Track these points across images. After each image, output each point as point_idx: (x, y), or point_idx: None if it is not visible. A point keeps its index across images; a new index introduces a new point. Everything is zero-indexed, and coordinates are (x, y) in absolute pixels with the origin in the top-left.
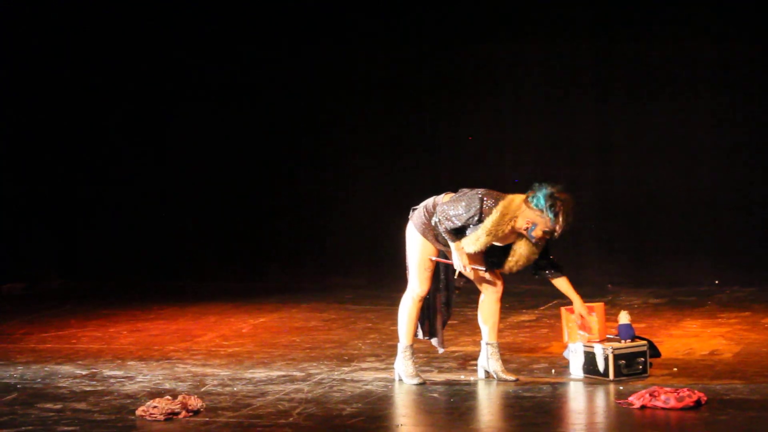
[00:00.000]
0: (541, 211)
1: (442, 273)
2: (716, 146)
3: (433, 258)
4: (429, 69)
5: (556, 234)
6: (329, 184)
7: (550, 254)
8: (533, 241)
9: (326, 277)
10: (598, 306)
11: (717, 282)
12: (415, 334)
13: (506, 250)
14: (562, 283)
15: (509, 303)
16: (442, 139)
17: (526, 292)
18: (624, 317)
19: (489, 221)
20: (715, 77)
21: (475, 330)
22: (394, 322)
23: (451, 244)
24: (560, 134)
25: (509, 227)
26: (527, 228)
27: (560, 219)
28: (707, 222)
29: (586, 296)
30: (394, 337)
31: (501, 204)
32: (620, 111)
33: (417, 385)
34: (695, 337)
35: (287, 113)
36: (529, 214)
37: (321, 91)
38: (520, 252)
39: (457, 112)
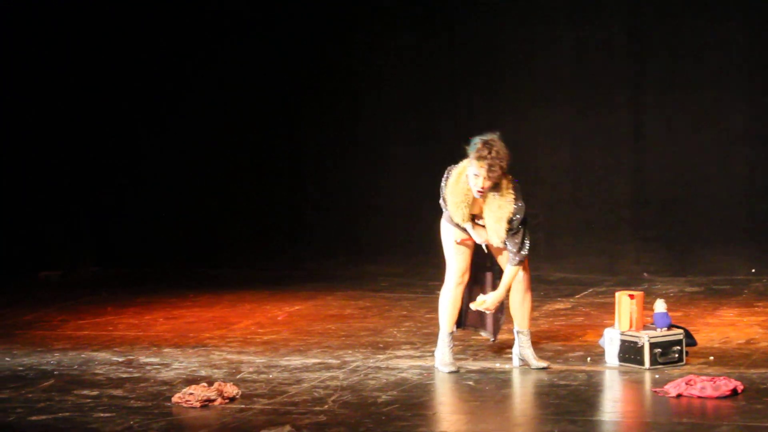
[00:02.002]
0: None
1: (488, 261)
2: (752, 133)
3: (458, 240)
4: (463, 56)
5: (484, 178)
6: (364, 172)
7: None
8: (477, 194)
9: (361, 264)
10: (638, 295)
11: (753, 271)
12: (459, 324)
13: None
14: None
15: (544, 291)
16: (476, 126)
17: (562, 281)
18: (660, 306)
19: (449, 184)
20: (751, 63)
21: (511, 319)
22: (430, 310)
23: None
24: (595, 122)
25: (465, 187)
26: (473, 183)
27: (483, 160)
28: (743, 210)
29: (622, 285)
30: (429, 324)
31: (458, 166)
32: (655, 98)
33: (450, 373)
34: (731, 326)
35: (321, 101)
36: (468, 164)
37: (355, 78)
38: (488, 222)
39: (491, 100)
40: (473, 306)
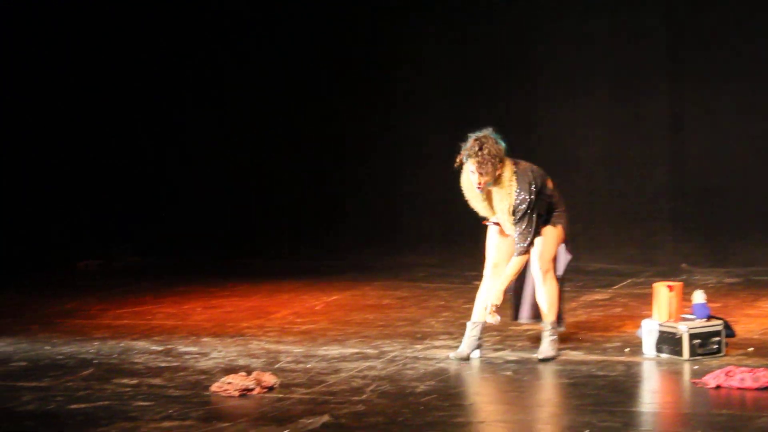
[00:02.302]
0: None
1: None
2: None
3: (485, 222)
4: (500, 45)
5: (479, 175)
6: (402, 162)
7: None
8: (477, 190)
9: (399, 254)
10: (677, 285)
11: None
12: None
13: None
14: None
15: (582, 282)
16: (513, 116)
17: (600, 271)
18: (699, 296)
19: (462, 180)
20: None
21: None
22: (467, 300)
23: None
24: (632, 111)
25: (469, 181)
26: (472, 179)
27: (473, 158)
28: None
29: (661, 275)
30: (466, 315)
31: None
32: (694, 87)
33: (459, 360)
34: None
35: (360, 90)
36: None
37: (393, 67)
38: (498, 215)
39: (528, 89)
40: (484, 318)
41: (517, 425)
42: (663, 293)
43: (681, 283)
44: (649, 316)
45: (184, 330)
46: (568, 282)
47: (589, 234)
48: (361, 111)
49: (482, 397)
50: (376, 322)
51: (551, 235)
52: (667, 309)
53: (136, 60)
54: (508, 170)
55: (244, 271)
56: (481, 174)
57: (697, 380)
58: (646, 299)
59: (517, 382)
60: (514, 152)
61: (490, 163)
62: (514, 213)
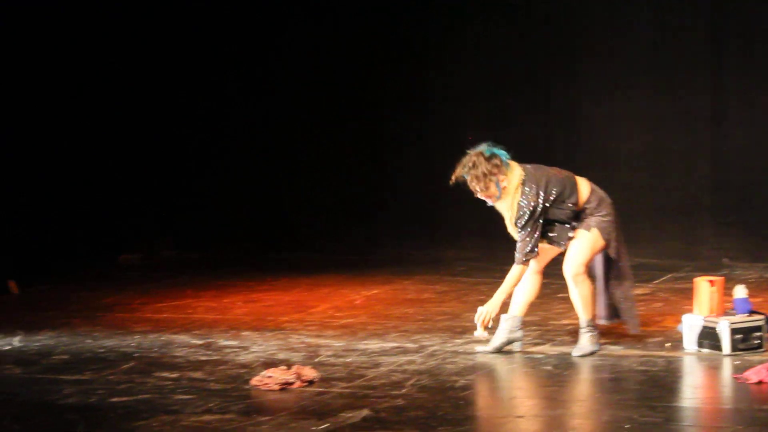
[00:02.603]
0: None
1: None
2: None
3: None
4: (541, 40)
5: (478, 193)
6: (442, 156)
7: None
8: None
9: (439, 249)
10: (718, 280)
11: None
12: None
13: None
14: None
15: None
16: (555, 110)
17: (640, 266)
18: (740, 291)
19: None
20: None
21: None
22: (507, 295)
23: None
24: (674, 105)
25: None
26: None
27: (467, 175)
28: None
29: (702, 270)
30: (506, 310)
31: None
32: (735, 81)
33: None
34: None
35: (399, 85)
36: None
37: (432, 62)
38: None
39: (569, 83)
40: (476, 319)
41: (557, 420)
42: (704, 288)
43: (722, 277)
44: (690, 311)
45: (225, 324)
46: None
47: (630, 228)
48: (400, 105)
49: (522, 392)
50: (415, 317)
51: (584, 239)
52: (708, 304)
53: (179, 57)
54: (515, 179)
55: (285, 265)
56: (477, 191)
57: (738, 375)
58: (687, 294)
59: (556, 376)
60: (555, 146)
61: (482, 181)
62: (516, 222)
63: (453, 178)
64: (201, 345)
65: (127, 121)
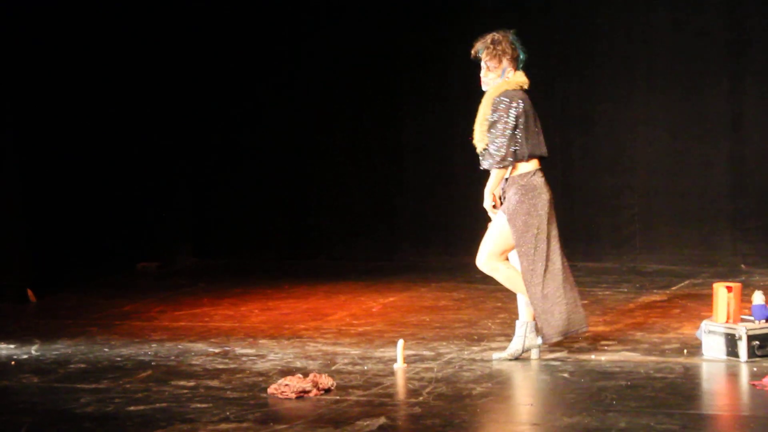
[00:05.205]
0: None
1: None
2: None
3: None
4: (559, 42)
5: (485, 69)
6: (459, 162)
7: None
8: (484, 86)
9: (455, 256)
10: (736, 286)
11: None
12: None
13: None
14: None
15: (640, 282)
16: (572, 113)
17: (658, 272)
18: (758, 297)
19: None
20: None
21: (605, 310)
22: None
23: None
24: (693, 110)
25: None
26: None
27: (484, 49)
28: None
29: (720, 276)
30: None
31: None
32: (754, 87)
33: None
34: None
35: (417, 92)
36: None
37: (451, 67)
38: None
39: (587, 87)
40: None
41: (573, 428)
42: (722, 294)
43: (740, 284)
44: (707, 317)
45: (242, 332)
46: (625, 283)
47: (648, 234)
48: (418, 112)
49: (539, 399)
50: (432, 324)
51: (498, 228)
52: (725, 310)
53: (198, 64)
54: (512, 85)
55: (302, 273)
56: (488, 68)
57: (756, 382)
58: (705, 300)
59: (573, 383)
60: (572, 151)
61: (497, 58)
62: (491, 124)
63: (473, 52)
64: (218, 353)
65: (147, 129)
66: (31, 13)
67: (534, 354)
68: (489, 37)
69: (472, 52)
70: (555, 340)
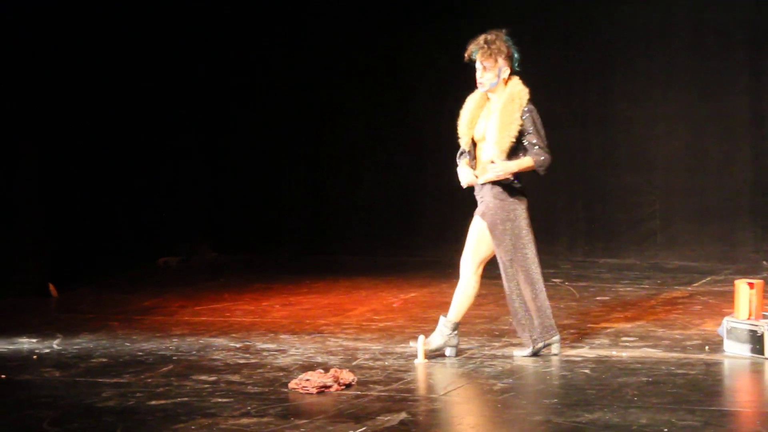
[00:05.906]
0: None
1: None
2: None
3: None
4: (579, 41)
5: (481, 70)
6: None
7: None
8: (479, 87)
9: None
10: (757, 283)
11: None
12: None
13: None
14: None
15: (661, 279)
16: (591, 111)
17: (679, 269)
18: None
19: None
20: None
21: (627, 307)
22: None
23: None
24: (713, 108)
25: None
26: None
27: (478, 50)
28: None
29: (741, 273)
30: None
31: None
32: None
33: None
34: None
35: (437, 90)
36: None
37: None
38: (494, 125)
39: (607, 86)
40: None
41: (595, 423)
42: (743, 291)
43: (762, 280)
44: (729, 313)
45: (262, 327)
46: (647, 280)
47: (669, 231)
48: (439, 110)
49: (560, 395)
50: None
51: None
52: (747, 307)
53: (218, 62)
54: (517, 83)
55: (322, 268)
56: (485, 68)
57: None
58: (727, 297)
59: (595, 380)
60: (592, 148)
61: (492, 57)
62: (522, 130)
63: (466, 54)
64: (239, 348)
65: (168, 125)
66: (57, 16)
67: (449, 352)
68: (482, 38)
69: (466, 54)
70: (540, 345)
